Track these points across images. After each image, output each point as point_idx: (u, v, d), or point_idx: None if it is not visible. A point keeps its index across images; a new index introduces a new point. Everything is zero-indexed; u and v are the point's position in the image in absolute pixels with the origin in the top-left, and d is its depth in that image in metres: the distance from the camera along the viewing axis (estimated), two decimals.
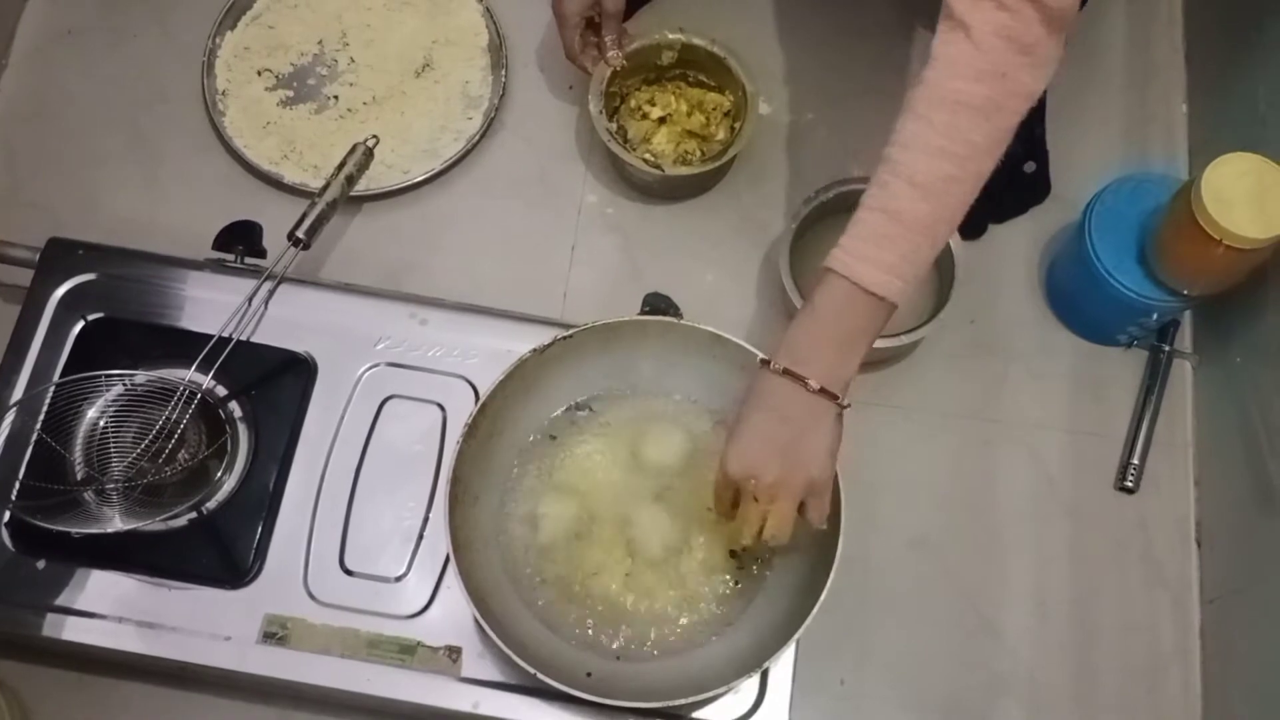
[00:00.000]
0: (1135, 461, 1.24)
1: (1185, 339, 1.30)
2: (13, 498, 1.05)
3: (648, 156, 1.29)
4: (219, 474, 1.08)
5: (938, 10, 0.92)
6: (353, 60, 1.39)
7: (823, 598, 0.94)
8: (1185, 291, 1.15)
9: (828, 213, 1.26)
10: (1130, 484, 1.23)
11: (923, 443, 1.26)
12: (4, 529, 1.06)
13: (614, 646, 1.02)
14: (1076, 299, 1.28)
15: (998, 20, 0.87)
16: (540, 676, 0.92)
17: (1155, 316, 1.21)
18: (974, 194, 0.91)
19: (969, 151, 0.89)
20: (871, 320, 0.90)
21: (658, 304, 1.14)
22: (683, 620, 1.03)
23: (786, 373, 0.90)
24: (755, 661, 0.95)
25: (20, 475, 1.07)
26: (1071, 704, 1.17)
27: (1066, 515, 1.23)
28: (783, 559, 1.04)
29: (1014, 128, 0.91)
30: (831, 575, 0.95)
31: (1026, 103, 0.90)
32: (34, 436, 1.07)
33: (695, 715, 1.01)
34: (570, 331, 1.04)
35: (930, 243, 0.90)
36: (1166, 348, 1.27)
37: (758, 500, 0.92)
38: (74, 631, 1.04)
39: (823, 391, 0.90)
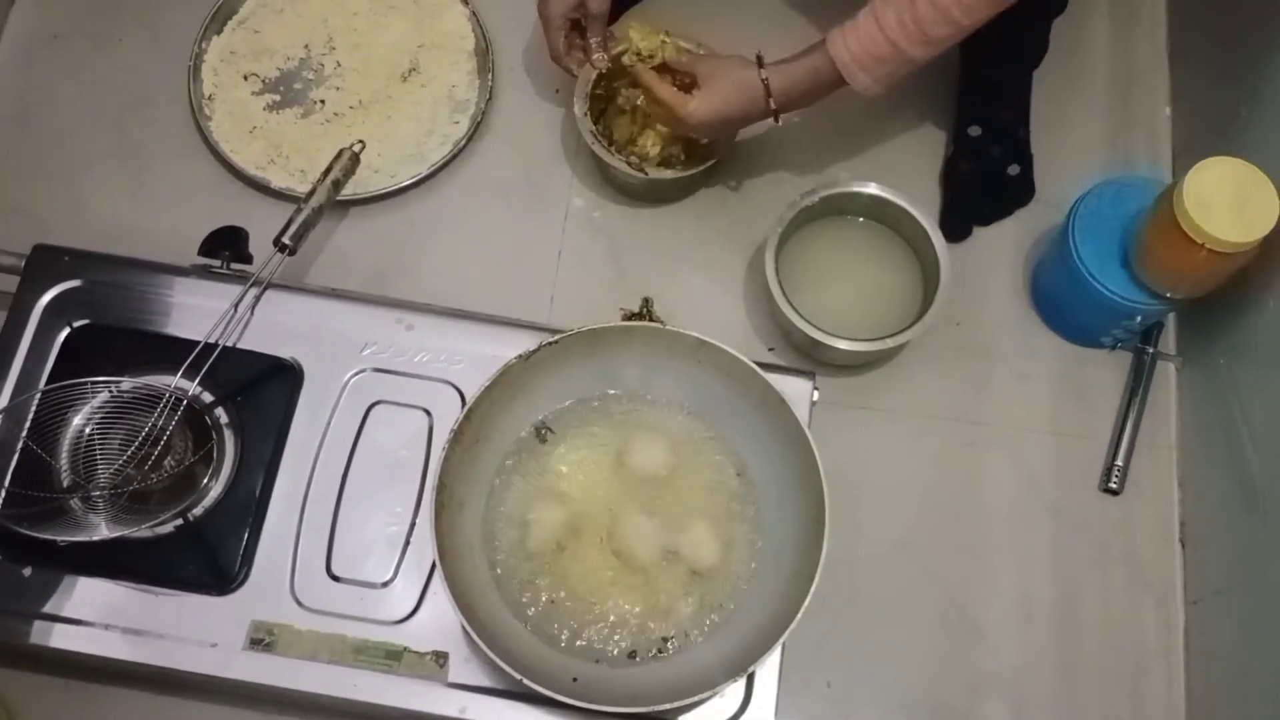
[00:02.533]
0: (1119, 463, 1.24)
1: (1169, 341, 1.30)
2: None
3: (632, 159, 1.29)
4: (205, 480, 1.08)
5: None
6: (339, 64, 1.39)
7: (807, 601, 0.95)
8: (1168, 294, 1.16)
9: (813, 217, 1.27)
10: (1114, 485, 1.24)
11: (908, 445, 1.26)
12: None
13: (600, 651, 1.02)
14: (1060, 302, 1.28)
15: None
16: (526, 682, 0.93)
17: (1139, 319, 1.22)
18: (952, 39, 1.08)
19: (971, 24, 1.06)
20: (833, 88, 1.15)
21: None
22: (668, 625, 1.03)
23: (766, 87, 1.15)
24: (741, 665, 0.95)
25: (6, 483, 1.06)
26: (1056, 704, 1.18)
27: (1051, 517, 1.24)
28: (770, 560, 1.04)
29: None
30: (816, 579, 0.96)
31: None
32: (19, 444, 1.07)
33: (681, 719, 1.01)
34: (556, 337, 1.04)
35: (911, 69, 1.10)
36: (1150, 350, 1.28)
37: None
38: (60, 638, 1.04)
39: (775, 112, 1.17)
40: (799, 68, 1.14)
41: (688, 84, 1.20)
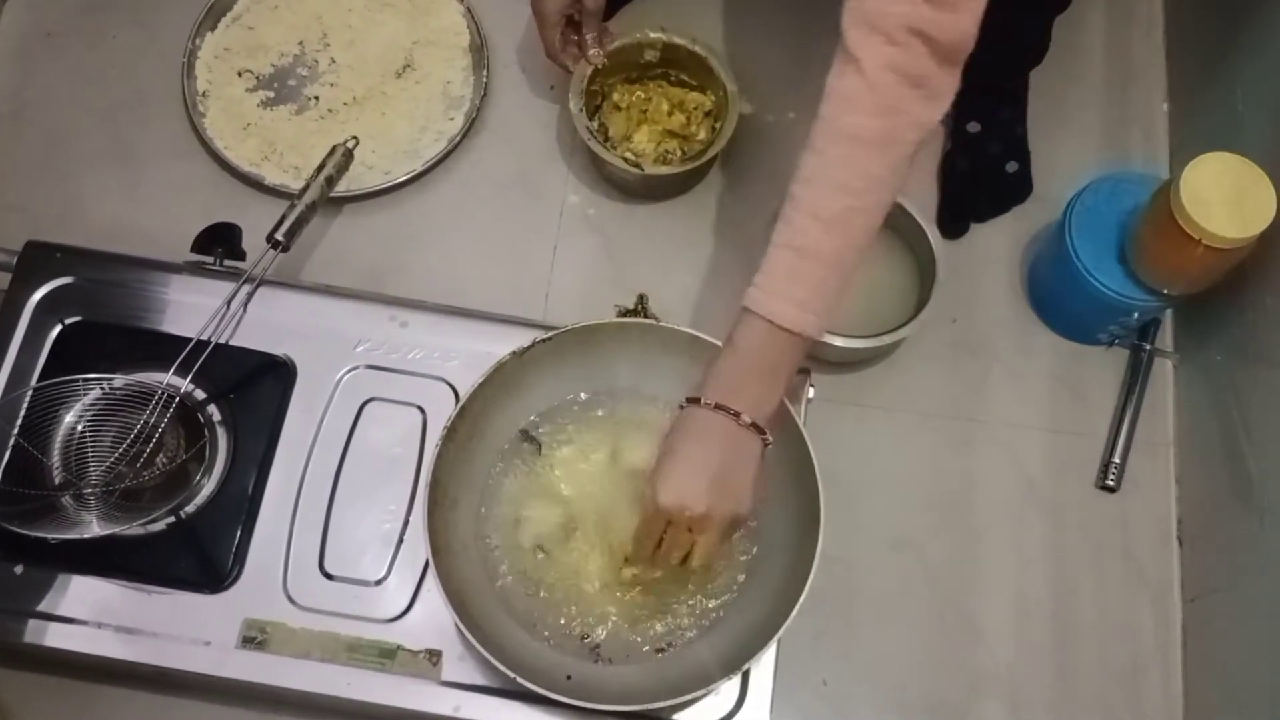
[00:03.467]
0: (1116, 460, 1.24)
1: (1166, 338, 1.30)
2: None
3: (628, 156, 1.29)
4: (197, 478, 1.08)
5: None
6: (333, 61, 1.39)
7: (801, 599, 0.94)
8: (1165, 291, 1.15)
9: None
10: (1111, 483, 1.23)
11: (904, 442, 1.26)
12: None
13: (594, 650, 1.02)
14: (1057, 298, 1.28)
15: (888, 55, 0.87)
16: (520, 680, 0.92)
17: (1136, 316, 1.21)
18: (879, 221, 0.92)
19: (867, 184, 0.90)
20: (790, 354, 0.92)
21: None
22: (662, 623, 1.03)
23: (719, 408, 0.91)
24: (735, 663, 0.95)
25: None
26: (1052, 703, 1.17)
27: (1048, 514, 1.24)
28: (765, 558, 1.04)
29: (912, 156, 0.91)
30: (810, 576, 0.95)
31: (922, 133, 0.90)
32: (11, 441, 1.07)
33: (676, 717, 1.01)
34: (550, 334, 1.03)
35: (839, 274, 0.91)
36: (1147, 346, 1.27)
37: (691, 530, 0.93)
38: (52, 637, 1.03)
39: (753, 426, 0.92)
40: (732, 360, 0.92)
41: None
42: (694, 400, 0.93)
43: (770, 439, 0.94)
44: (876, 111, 0.88)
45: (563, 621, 1.03)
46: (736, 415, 0.91)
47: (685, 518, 0.92)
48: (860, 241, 0.91)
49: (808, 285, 0.90)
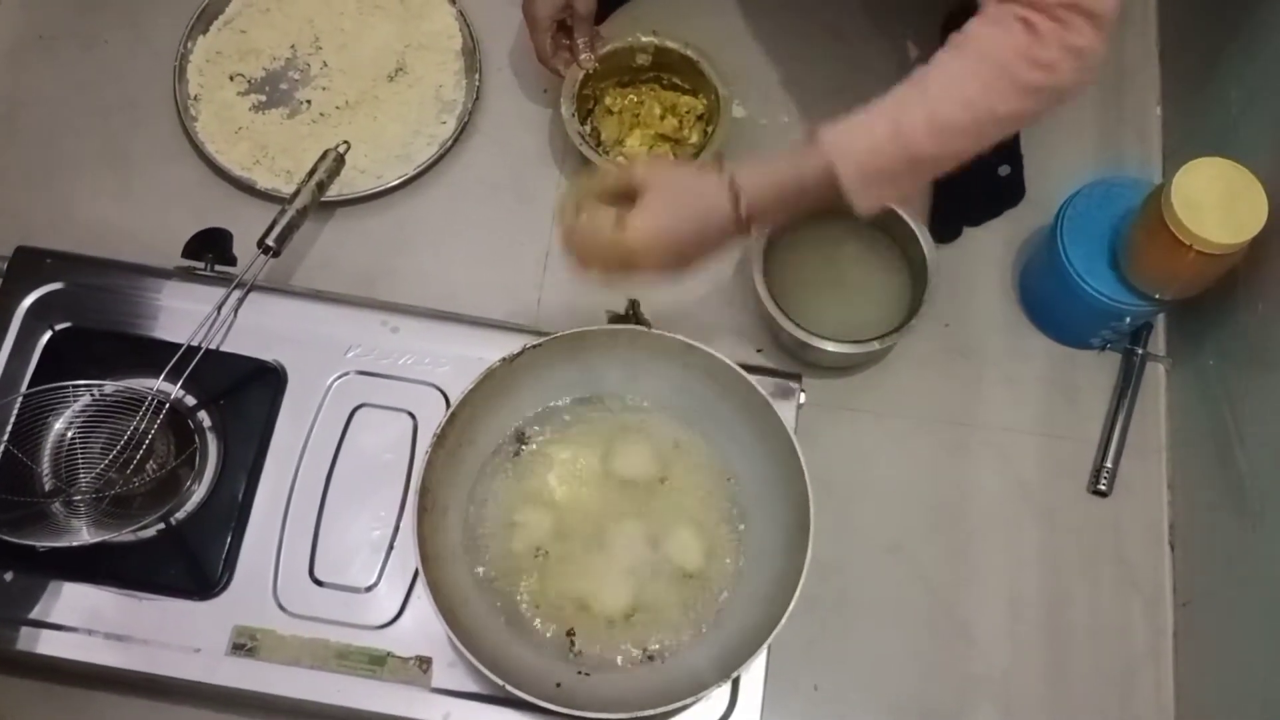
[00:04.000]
0: (1108, 465, 1.24)
1: (1158, 342, 1.30)
2: None
3: (620, 160, 1.28)
4: (188, 484, 1.07)
5: (912, 12, 0.91)
6: (325, 65, 1.39)
7: (791, 606, 0.94)
8: (1157, 296, 1.15)
9: (803, 218, 1.26)
10: (1103, 487, 1.23)
11: (896, 447, 1.26)
12: None
13: (585, 657, 1.02)
14: (1049, 303, 1.28)
15: (1052, 28, 0.89)
16: (509, 689, 0.92)
17: (1128, 320, 1.21)
18: (967, 157, 0.93)
19: (989, 119, 0.91)
20: (821, 199, 0.93)
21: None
22: (653, 630, 1.03)
23: (734, 195, 0.93)
24: (725, 670, 0.95)
25: None
26: (1045, 707, 1.17)
27: (1040, 519, 1.24)
28: (756, 564, 1.04)
29: (1032, 120, 0.94)
30: (800, 584, 0.95)
31: (1058, 103, 0.93)
32: (0, 448, 1.06)
33: None
34: (540, 340, 1.03)
35: (912, 177, 0.93)
36: (1140, 351, 1.27)
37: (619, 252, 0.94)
38: (42, 644, 1.03)
39: (742, 220, 0.94)
40: (779, 169, 0.93)
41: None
42: (719, 165, 0.95)
43: (753, 235, 0.99)
44: (1039, 66, 0.90)
45: (553, 629, 1.02)
46: (738, 202, 0.92)
47: (634, 260, 0.93)
48: (947, 165, 0.93)
49: (885, 170, 0.91)
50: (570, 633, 1.02)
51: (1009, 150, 1.34)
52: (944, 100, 0.90)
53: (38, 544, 1.00)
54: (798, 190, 0.93)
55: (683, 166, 0.96)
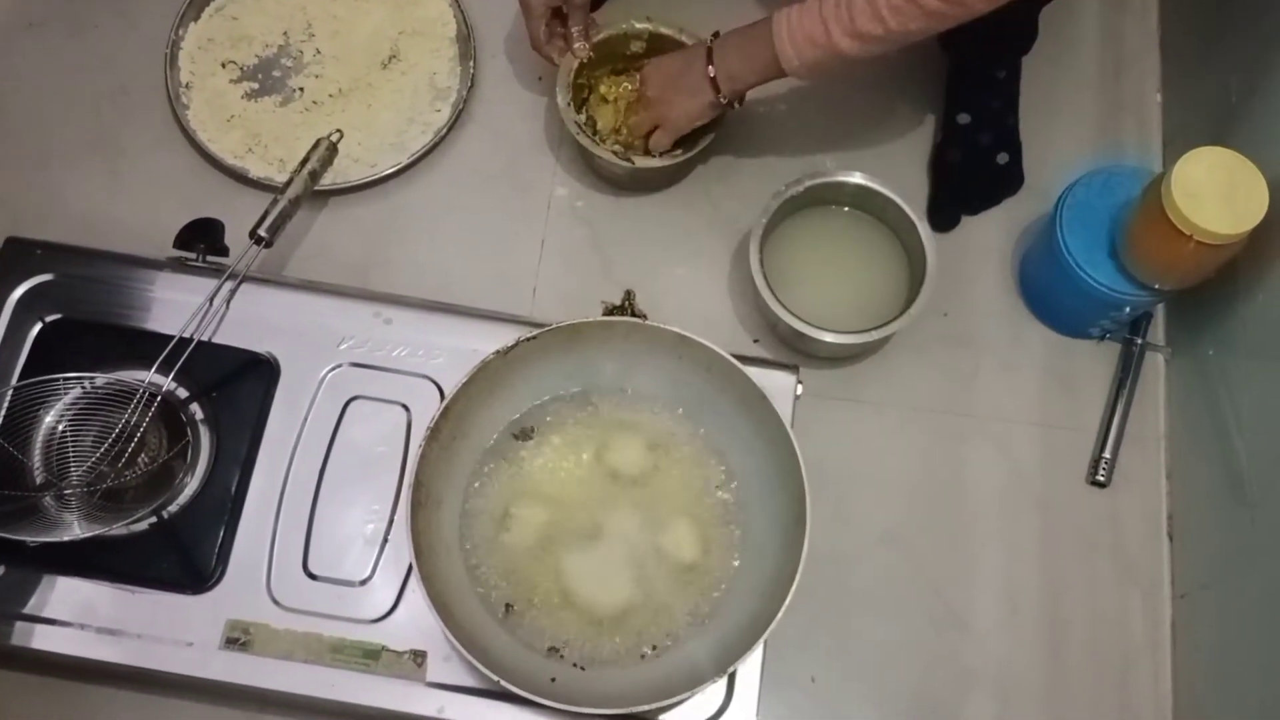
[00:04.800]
0: (1107, 455, 1.23)
1: (1158, 332, 1.29)
2: None
3: (616, 149, 1.27)
4: (180, 478, 1.07)
5: None
6: (318, 52, 1.37)
7: (787, 600, 0.94)
8: (1156, 286, 1.14)
9: (799, 206, 1.25)
10: (1102, 478, 1.23)
11: (893, 437, 1.25)
12: None
13: (579, 652, 1.01)
14: (1048, 292, 1.27)
15: None
16: (504, 684, 0.91)
17: (1127, 310, 1.20)
18: (886, 53, 1.07)
19: (902, 33, 1.04)
20: (774, 73, 1.14)
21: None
22: (648, 624, 1.02)
23: (709, 53, 1.16)
24: (721, 665, 0.94)
25: None
26: (1042, 698, 1.17)
27: (1037, 509, 1.23)
28: (752, 558, 1.03)
29: (947, 28, 1.04)
30: (796, 578, 0.94)
31: (970, 17, 1.03)
32: None
33: (662, 719, 1.00)
34: (534, 333, 1.02)
35: (843, 66, 1.09)
36: (1139, 341, 1.26)
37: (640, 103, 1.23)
38: (34, 638, 1.02)
39: (715, 80, 1.17)
40: (738, 34, 1.15)
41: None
42: (710, 50, 1.17)
43: (724, 100, 1.18)
44: None
45: (548, 623, 1.02)
46: (711, 63, 1.16)
47: (643, 89, 1.23)
48: (870, 58, 1.07)
49: (816, 56, 1.08)
50: (565, 626, 1.02)
51: (1007, 138, 1.33)
52: (862, 14, 1.04)
53: (30, 539, 0.99)
54: (749, 55, 1.14)
55: (673, 58, 1.21)
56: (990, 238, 1.32)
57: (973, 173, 1.32)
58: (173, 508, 1.07)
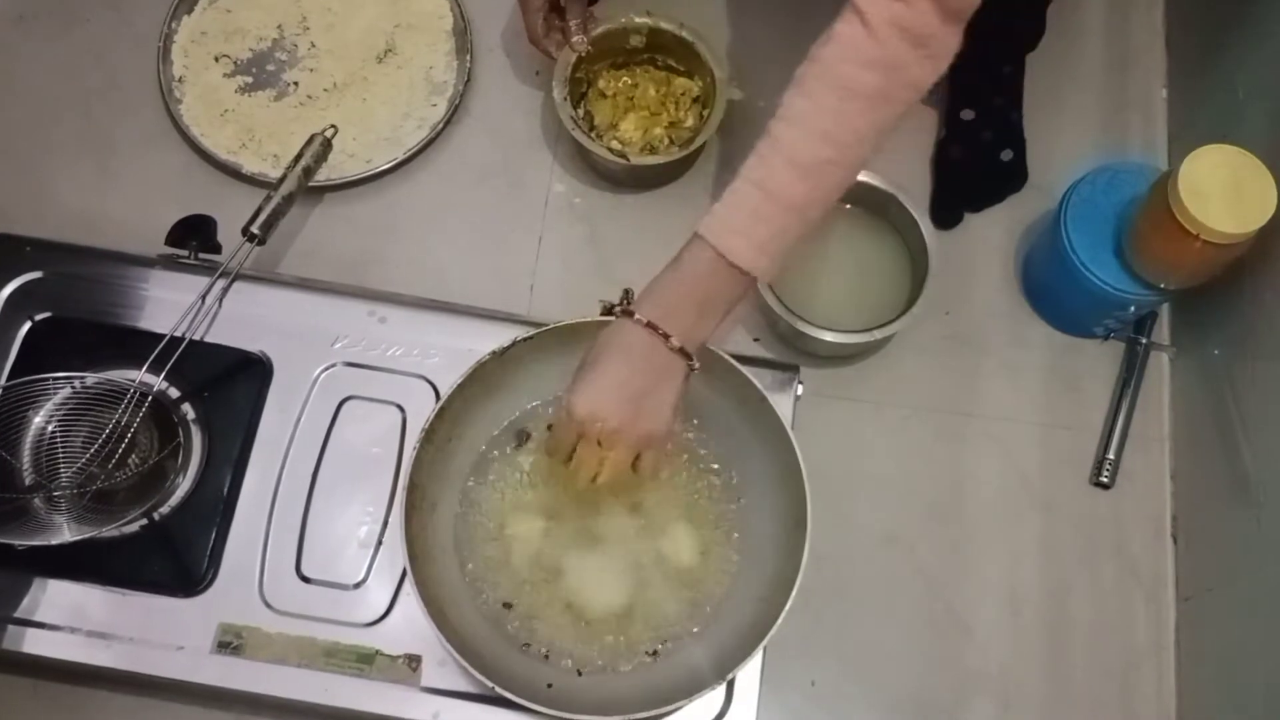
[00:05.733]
0: (1110, 456, 1.22)
1: (1163, 331, 1.28)
2: None
3: (614, 145, 1.26)
4: (171, 479, 1.05)
5: None
6: (313, 45, 1.36)
7: (788, 606, 0.92)
8: (1162, 285, 1.13)
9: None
10: (1105, 479, 1.21)
11: (895, 437, 1.24)
12: None
13: (576, 657, 1.00)
14: (1052, 291, 1.25)
15: (893, 11, 0.85)
16: (499, 690, 0.90)
17: (1132, 309, 1.19)
18: (850, 180, 0.91)
19: (852, 139, 0.88)
20: (734, 290, 0.90)
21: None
22: (646, 630, 1.01)
23: (650, 326, 0.89)
24: (720, 672, 0.93)
25: None
26: (1044, 702, 1.16)
27: (1040, 510, 1.22)
28: (752, 562, 1.02)
29: (900, 116, 0.89)
30: (797, 584, 0.93)
31: (916, 94, 0.89)
32: None
33: None
34: (531, 333, 1.01)
35: (801, 223, 0.89)
36: (1143, 340, 1.25)
37: (600, 444, 0.91)
38: (24, 642, 1.01)
39: (681, 350, 0.90)
40: (673, 278, 0.90)
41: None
42: (628, 312, 0.90)
43: (697, 366, 0.92)
44: (875, 66, 0.86)
45: (543, 628, 1.00)
46: (666, 337, 0.89)
47: (596, 429, 0.90)
48: (830, 196, 0.90)
49: (769, 229, 0.88)
50: (561, 632, 1.00)
51: (1011, 134, 1.31)
52: (799, 142, 0.87)
53: (18, 543, 0.98)
54: (702, 290, 0.90)
55: (610, 330, 0.92)
56: (993, 235, 1.31)
57: (976, 169, 1.31)
58: (164, 509, 1.05)
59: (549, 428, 0.99)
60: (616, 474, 0.93)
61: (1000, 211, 1.32)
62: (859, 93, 0.87)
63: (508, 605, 1.01)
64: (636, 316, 0.90)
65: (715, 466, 1.05)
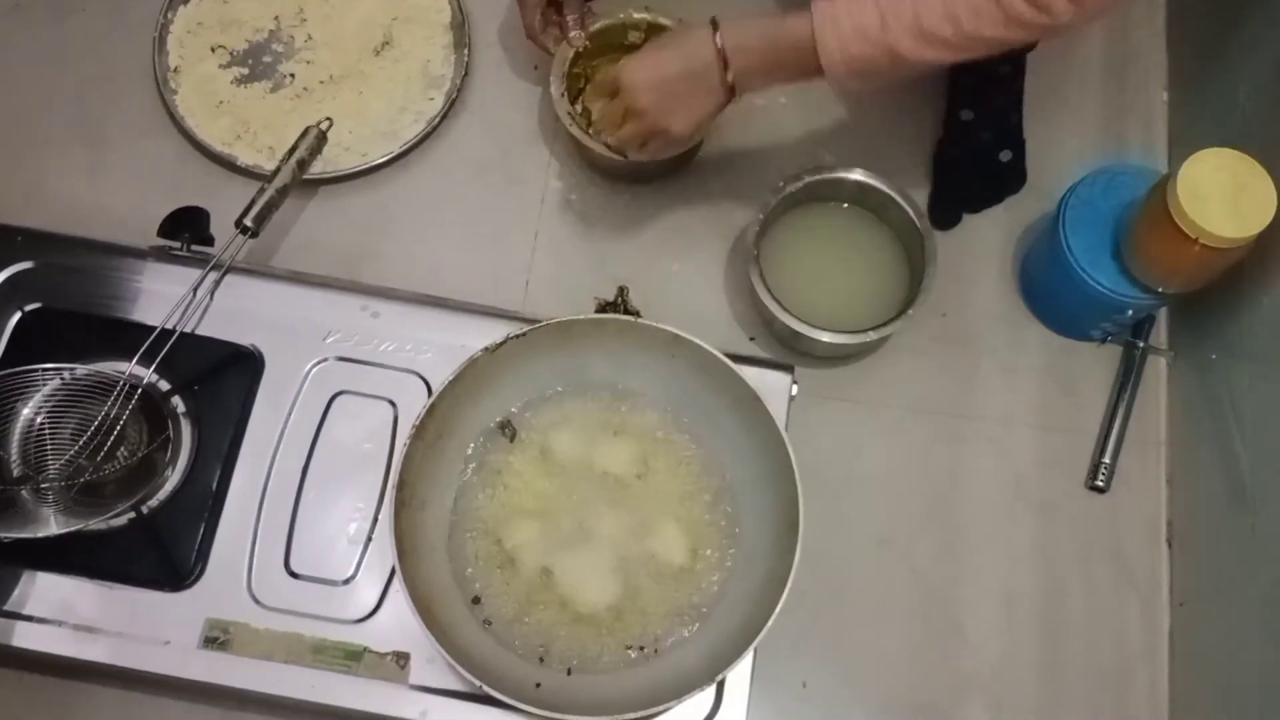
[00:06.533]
0: (1106, 460, 1.21)
1: (1161, 335, 1.27)
2: None
3: (610, 141, 1.25)
4: (160, 472, 1.04)
5: None
6: (310, 37, 1.35)
7: (779, 607, 0.92)
8: (1160, 289, 1.12)
9: (797, 203, 1.23)
10: (1101, 483, 1.21)
11: (890, 438, 1.23)
12: None
13: (565, 657, 0.99)
14: (1050, 293, 1.25)
15: None
16: (486, 689, 0.89)
17: (1129, 313, 1.18)
18: (951, 63, 0.96)
19: (975, 38, 0.93)
20: (804, 73, 0.99)
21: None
22: (637, 631, 1.00)
23: (721, 53, 1.00)
24: (710, 673, 0.92)
25: None
26: (1037, 705, 1.15)
27: (1036, 514, 1.21)
28: (743, 563, 1.01)
29: (1024, 43, 0.98)
30: (788, 584, 0.92)
31: (1053, 35, 0.95)
32: None
33: None
34: (524, 330, 1.00)
35: (891, 68, 0.96)
36: (1141, 344, 1.24)
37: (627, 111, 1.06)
38: (12, 636, 1.00)
39: (731, 86, 1.01)
40: (759, 25, 0.99)
41: None
42: (714, 27, 1.00)
43: (737, 99, 1.03)
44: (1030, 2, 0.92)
45: (533, 627, 1.00)
46: (726, 67, 0.99)
47: (629, 99, 1.04)
48: (928, 68, 0.96)
49: (864, 53, 0.95)
50: (552, 632, 1.00)
51: (1010, 135, 1.30)
52: (932, 11, 0.92)
53: (3, 536, 0.97)
54: (778, 53, 0.98)
55: (684, 28, 1.05)
56: (991, 237, 1.30)
57: (974, 170, 1.30)
58: (152, 503, 1.04)
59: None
60: (627, 142, 1.11)
61: (999, 213, 1.31)
62: (1008, 10, 0.92)
63: (498, 603, 1.00)
64: (716, 37, 0.99)
65: (708, 466, 1.05)
